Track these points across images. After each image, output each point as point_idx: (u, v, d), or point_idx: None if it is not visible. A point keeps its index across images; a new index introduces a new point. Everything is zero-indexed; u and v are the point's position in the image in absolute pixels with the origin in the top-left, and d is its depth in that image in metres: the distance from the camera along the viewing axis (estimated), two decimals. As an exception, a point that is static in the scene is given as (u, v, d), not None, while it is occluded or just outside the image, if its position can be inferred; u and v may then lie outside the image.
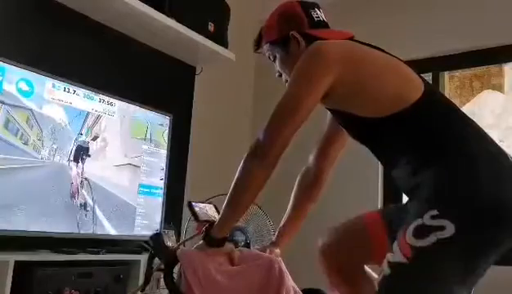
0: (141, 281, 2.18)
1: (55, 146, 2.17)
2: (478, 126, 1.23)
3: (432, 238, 1.02)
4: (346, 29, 1.47)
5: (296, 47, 1.41)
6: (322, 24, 1.45)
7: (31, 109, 2.11)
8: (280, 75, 1.50)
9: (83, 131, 2.30)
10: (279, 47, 1.46)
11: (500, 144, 1.20)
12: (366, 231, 1.39)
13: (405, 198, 1.33)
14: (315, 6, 1.48)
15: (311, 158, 1.59)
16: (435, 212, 1.04)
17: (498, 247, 1.08)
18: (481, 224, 1.05)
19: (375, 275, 1.40)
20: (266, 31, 1.50)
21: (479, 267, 1.08)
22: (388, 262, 1.09)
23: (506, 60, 2.89)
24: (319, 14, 1.46)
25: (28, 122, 2.10)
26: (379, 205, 2.94)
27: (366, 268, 1.46)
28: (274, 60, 1.50)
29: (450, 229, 1.01)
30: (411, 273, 1.07)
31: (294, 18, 1.45)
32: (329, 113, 1.48)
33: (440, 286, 1.05)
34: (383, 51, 1.35)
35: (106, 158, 2.41)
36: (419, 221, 1.05)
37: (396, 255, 1.07)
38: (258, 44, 1.53)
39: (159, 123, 2.69)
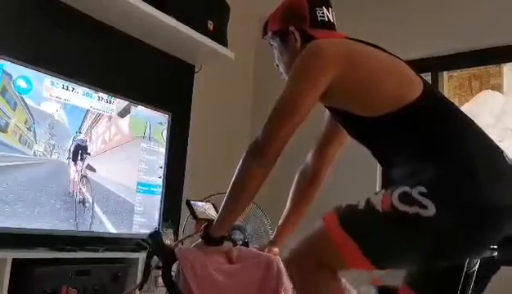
0: (139, 279, 2.17)
1: (52, 142, 2.16)
2: (478, 126, 1.22)
3: (412, 209, 1.04)
4: (345, 28, 1.47)
5: (293, 43, 1.42)
6: (326, 25, 1.44)
7: (10, 75, 1.92)
8: (278, 66, 1.51)
9: (82, 129, 2.30)
10: (278, 39, 1.47)
11: (499, 144, 1.20)
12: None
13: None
14: (324, 4, 1.46)
15: (309, 157, 1.59)
16: (424, 190, 1.05)
17: (470, 244, 1.10)
18: (462, 219, 1.06)
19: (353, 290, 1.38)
20: (271, 20, 1.51)
21: (441, 258, 1.11)
22: (367, 199, 1.12)
23: (505, 61, 2.89)
24: (325, 13, 1.44)
25: (3, 93, 1.94)
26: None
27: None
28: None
29: (431, 210, 1.03)
30: (378, 222, 1.10)
31: (296, 14, 1.44)
32: (327, 111, 1.48)
33: (393, 248, 1.09)
34: (383, 49, 1.35)
35: (105, 156, 2.41)
36: (408, 189, 1.07)
37: (377, 199, 1.10)
38: (265, 31, 1.53)
39: (158, 121, 2.69)
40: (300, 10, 1.43)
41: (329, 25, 1.45)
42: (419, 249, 1.09)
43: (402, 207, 1.06)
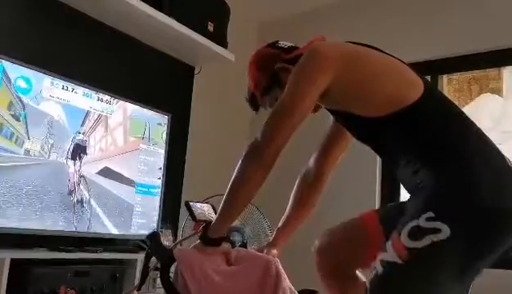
0: (137, 280, 2.17)
1: (51, 141, 2.15)
2: (478, 127, 1.22)
3: (427, 241, 1.02)
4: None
5: (287, 75, 1.40)
6: (294, 48, 1.47)
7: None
8: None
9: (82, 130, 2.30)
10: (275, 87, 1.46)
11: (498, 147, 1.20)
12: (364, 232, 1.38)
13: (403, 198, 1.32)
14: (277, 40, 1.52)
15: (311, 160, 1.59)
16: (431, 214, 1.04)
17: (494, 249, 1.08)
18: (476, 227, 1.05)
19: (364, 279, 1.40)
20: (255, 87, 1.52)
21: (474, 269, 1.09)
22: (381, 261, 1.08)
23: (505, 64, 2.90)
24: (285, 43, 1.50)
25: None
26: (377, 205, 2.94)
27: (358, 273, 1.45)
28: None
29: (445, 231, 1.02)
30: (405, 274, 1.07)
31: (269, 56, 1.48)
32: (331, 116, 1.48)
33: (433, 287, 1.06)
34: (381, 51, 1.35)
35: (104, 157, 2.41)
36: (414, 222, 1.06)
37: (389, 254, 1.07)
38: (255, 105, 1.55)
39: (157, 122, 2.69)
40: (269, 52, 1.49)
41: (296, 48, 1.47)
42: (453, 273, 1.05)
43: (417, 244, 1.03)
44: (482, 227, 1.05)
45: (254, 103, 1.55)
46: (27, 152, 2.06)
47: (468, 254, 1.05)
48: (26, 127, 2.04)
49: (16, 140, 2.02)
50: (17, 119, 1.99)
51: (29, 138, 2.06)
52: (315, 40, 1.43)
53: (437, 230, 1.02)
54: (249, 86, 1.55)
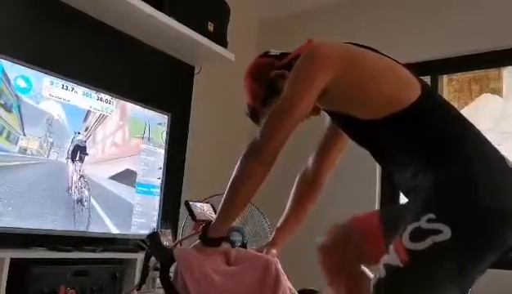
0: (137, 280, 2.17)
1: (50, 139, 2.15)
2: (476, 128, 1.23)
3: (428, 242, 1.03)
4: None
5: (283, 82, 1.39)
6: (285, 53, 1.47)
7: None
8: None
9: (81, 129, 2.30)
10: (273, 96, 1.43)
11: (498, 147, 1.20)
12: (363, 232, 1.38)
13: (402, 200, 1.32)
14: (267, 51, 1.54)
15: (310, 160, 1.59)
16: (432, 216, 1.04)
17: (492, 249, 1.09)
18: (475, 227, 1.05)
19: (370, 274, 1.40)
20: (253, 100, 1.53)
21: (475, 269, 1.09)
22: (384, 264, 1.09)
23: (505, 64, 2.90)
24: (276, 51, 1.51)
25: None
26: (377, 206, 2.94)
27: (363, 267, 1.46)
28: None
29: (446, 232, 1.02)
30: (407, 277, 1.07)
31: (263, 65, 1.49)
32: (328, 115, 1.48)
33: (435, 288, 1.06)
34: (378, 52, 1.35)
35: (104, 157, 2.41)
36: (415, 224, 1.06)
37: (391, 257, 1.07)
38: (257, 118, 1.54)
39: (157, 122, 2.69)
40: (262, 62, 1.50)
41: (287, 53, 1.47)
42: (454, 273, 1.06)
43: (419, 246, 1.03)
44: (481, 227, 1.05)
45: (255, 116, 1.55)
46: (23, 150, 2.03)
47: (468, 254, 1.05)
48: (21, 123, 2.01)
49: (8, 135, 1.97)
50: (8, 110, 1.92)
51: (24, 134, 2.03)
52: (305, 44, 1.43)
53: (438, 231, 1.02)
54: (248, 100, 1.56)
